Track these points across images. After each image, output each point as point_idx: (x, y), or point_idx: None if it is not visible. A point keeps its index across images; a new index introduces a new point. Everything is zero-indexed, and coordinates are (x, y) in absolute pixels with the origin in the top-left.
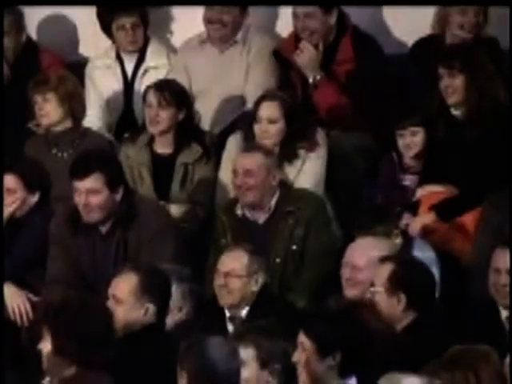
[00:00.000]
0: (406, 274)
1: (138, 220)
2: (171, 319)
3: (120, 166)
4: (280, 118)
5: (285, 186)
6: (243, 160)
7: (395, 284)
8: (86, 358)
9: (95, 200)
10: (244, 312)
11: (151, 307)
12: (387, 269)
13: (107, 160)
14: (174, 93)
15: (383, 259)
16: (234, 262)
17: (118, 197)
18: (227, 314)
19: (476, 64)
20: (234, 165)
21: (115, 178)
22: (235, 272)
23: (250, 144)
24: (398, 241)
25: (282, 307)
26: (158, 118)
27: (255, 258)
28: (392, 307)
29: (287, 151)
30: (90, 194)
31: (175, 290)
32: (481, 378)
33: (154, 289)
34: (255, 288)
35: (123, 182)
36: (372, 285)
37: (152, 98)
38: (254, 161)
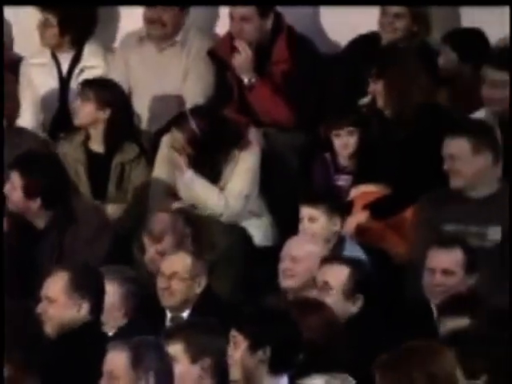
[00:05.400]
0: (363, 276)
1: (76, 221)
2: (110, 319)
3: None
4: (184, 145)
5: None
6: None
7: (354, 286)
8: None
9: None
10: (186, 314)
11: (84, 304)
12: (344, 272)
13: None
14: (96, 90)
15: (329, 260)
16: (177, 265)
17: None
18: (168, 315)
19: (394, 69)
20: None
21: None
22: (179, 274)
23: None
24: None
25: (224, 309)
26: (78, 112)
27: (198, 260)
28: (345, 308)
29: (201, 172)
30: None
31: (115, 291)
32: (428, 377)
33: (86, 286)
34: (198, 290)
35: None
36: (324, 286)
37: (77, 93)
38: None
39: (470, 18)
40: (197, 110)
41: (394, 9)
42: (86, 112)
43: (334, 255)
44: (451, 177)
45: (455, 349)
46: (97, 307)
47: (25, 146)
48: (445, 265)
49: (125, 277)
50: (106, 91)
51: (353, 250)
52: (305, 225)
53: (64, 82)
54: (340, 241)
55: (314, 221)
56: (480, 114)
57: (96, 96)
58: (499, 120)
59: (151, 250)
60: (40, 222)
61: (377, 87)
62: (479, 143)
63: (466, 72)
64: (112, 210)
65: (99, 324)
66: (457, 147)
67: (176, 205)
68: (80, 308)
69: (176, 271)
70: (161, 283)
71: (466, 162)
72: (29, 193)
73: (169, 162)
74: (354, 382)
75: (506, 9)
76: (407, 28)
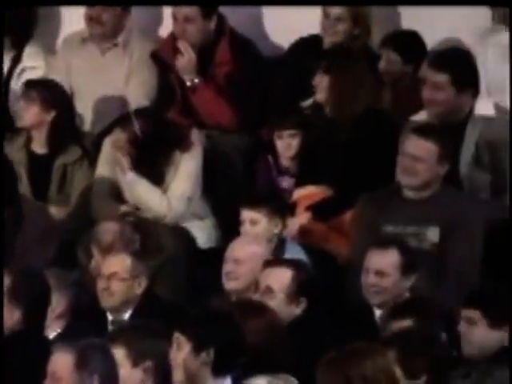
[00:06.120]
0: (306, 278)
1: (23, 221)
2: (51, 322)
3: None
4: (125, 145)
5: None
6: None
7: (297, 289)
8: None
9: None
10: (127, 315)
11: (16, 313)
12: (287, 274)
13: None
14: (40, 91)
15: (271, 263)
16: (117, 265)
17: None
18: (109, 317)
19: (341, 67)
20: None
21: None
22: (118, 275)
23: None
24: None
25: (167, 310)
26: (23, 114)
27: (138, 261)
28: (289, 311)
29: (144, 173)
30: None
31: (58, 294)
32: (368, 377)
33: (22, 293)
34: (138, 291)
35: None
36: (268, 290)
37: (21, 94)
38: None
39: (411, 19)
40: (141, 112)
41: (335, 12)
42: (30, 114)
43: (276, 258)
44: (406, 174)
45: (396, 349)
46: (32, 315)
47: None
48: (378, 266)
49: (68, 280)
50: (51, 92)
51: (294, 252)
52: (246, 228)
53: (4, 82)
54: (281, 242)
55: (256, 224)
56: (421, 116)
57: (41, 97)
58: (440, 122)
59: (98, 260)
60: None
61: (322, 80)
62: (445, 152)
63: (408, 74)
64: (54, 212)
65: (40, 328)
66: (424, 150)
67: (123, 209)
68: (12, 316)
69: (115, 272)
70: (101, 284)
71: (429, 166)
72: None
73: (112, 163)
74: (296, 382)
75: (449, 9)
76: (348, 31)
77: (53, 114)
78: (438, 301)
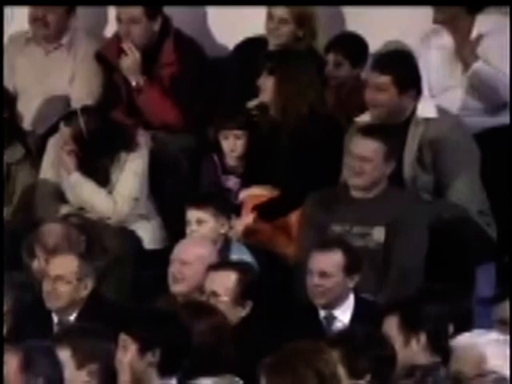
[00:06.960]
0: (251, 280)
1: None
2: None
3: None
4: (69, 141)
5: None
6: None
7: (242, 292)
8: None
9: None
10: (72, 317)
11: None
12: (231, 278)
13: None
14: None
15: (215, 267)
16: (63, 267)
17: None
18: (55, 318)
19: (285, 69)
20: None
21: None
22: (65, 277)
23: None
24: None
25: (112, 312)
26: None
27: (85, 263)
28: (234, 313)
29: (89, 174)
30: None
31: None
32: (313, 376)
33: None
34: (84, 292)
35: None
36: (213, 295)
37: None
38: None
39: (355, 20)
40: (87, 109)
41: (279, 14)
42: None
43: (221, 261)
44: (354, 175)
45: (340, 348)
46: None
47: None
48: (322, 267)
49: (11, 281)
50: (4, 92)
51: (239, 252)
52: (192, 227)
53: None
54: (227, 243)
55: (202, 223)
56: (365, 118)
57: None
58: (383, 123)
59: (42, 261)
60: None
61: (267, 81)
62: (391, 150)
63: (355, 76)
64: None
65: None
66: (370, 150)
67: (64, 210)
68: None
69: (62, 274)
70: (46, 286)
71: (376, 166)
72: None
73: (55, 164)
74: (241, 382)
75: (393, 10)
76: (292, 33)
77: (6, 113)
78: (382, 299)
